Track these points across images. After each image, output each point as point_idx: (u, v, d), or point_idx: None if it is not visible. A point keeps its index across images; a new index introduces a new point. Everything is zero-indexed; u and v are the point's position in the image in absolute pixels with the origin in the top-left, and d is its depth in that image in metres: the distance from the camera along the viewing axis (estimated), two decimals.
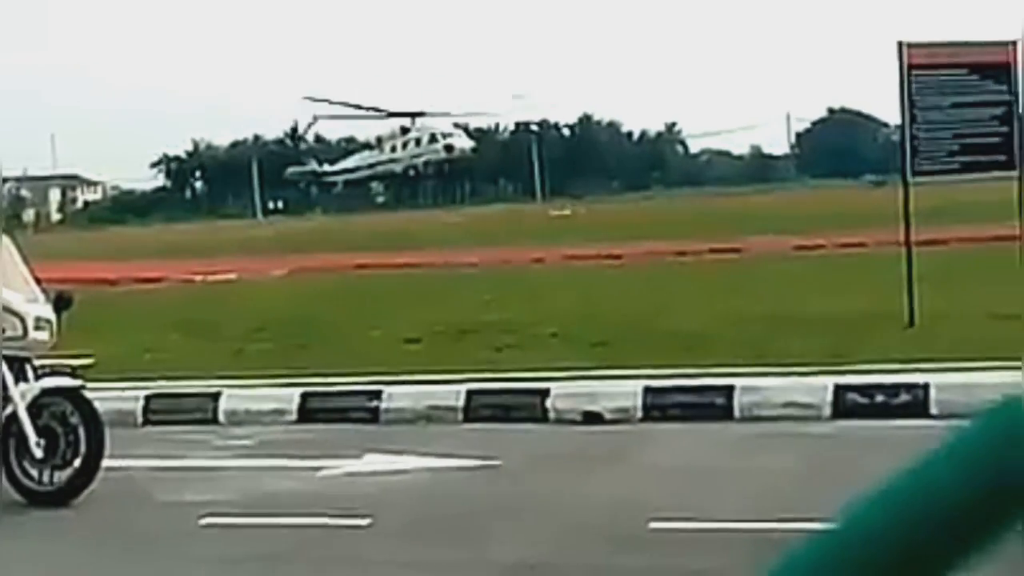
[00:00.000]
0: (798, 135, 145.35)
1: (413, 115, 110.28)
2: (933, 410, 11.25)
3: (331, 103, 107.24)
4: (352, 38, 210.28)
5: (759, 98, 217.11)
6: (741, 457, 10.65)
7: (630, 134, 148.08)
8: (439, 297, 22.26)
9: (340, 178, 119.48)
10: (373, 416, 12.78)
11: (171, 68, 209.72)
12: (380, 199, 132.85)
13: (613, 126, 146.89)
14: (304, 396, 13.12)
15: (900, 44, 15.37)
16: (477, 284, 24.75)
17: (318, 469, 10.89)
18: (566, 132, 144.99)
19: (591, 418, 12.21)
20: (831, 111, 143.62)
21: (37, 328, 10.42)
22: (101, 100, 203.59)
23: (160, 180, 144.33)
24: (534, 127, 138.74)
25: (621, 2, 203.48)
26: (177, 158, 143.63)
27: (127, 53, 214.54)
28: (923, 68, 15.44)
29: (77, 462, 10.04)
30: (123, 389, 13.46)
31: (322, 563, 8.29)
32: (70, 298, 10.89)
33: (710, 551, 7.87)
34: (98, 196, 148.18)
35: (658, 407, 12.20)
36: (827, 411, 11.77)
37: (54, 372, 10.50)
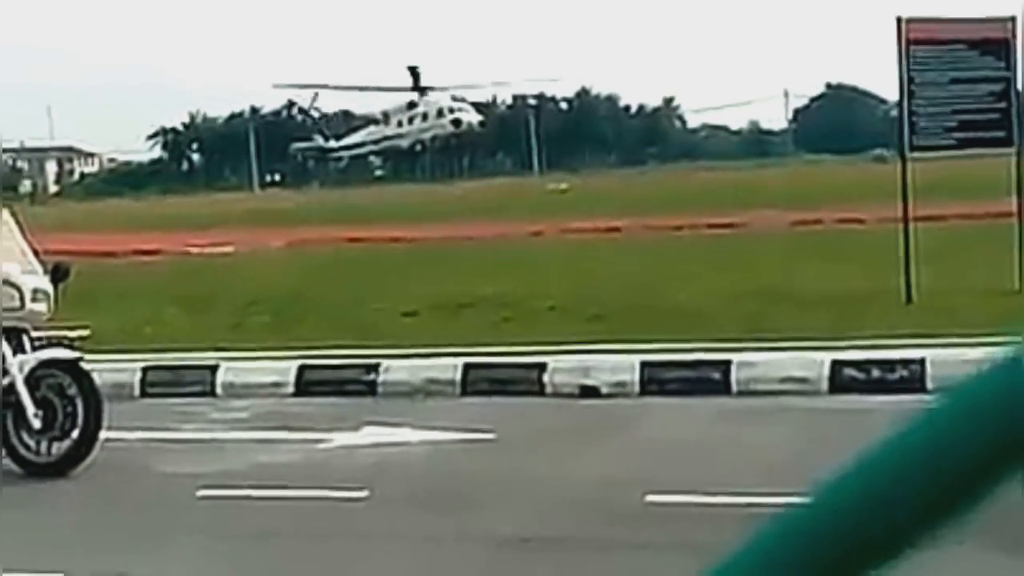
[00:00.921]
0: (796, 111, 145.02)
1: (414, 89, 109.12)
2: (930, 385, 11.27)
3: (300, 87, 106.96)
4: (349, 10, 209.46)
5: (757, 73, 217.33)
6: (738, 432, 10.68)
7: (628, 108, 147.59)
8: (437, 270, 22.25)
9: (347, 153, 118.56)
10: (371, 389, 12.80)
11: (168, 43, 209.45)
12: (379, 172, 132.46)
13: (611, 100, 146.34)
14: (302, 369, 13.12)
15: (899, 19, 15.34)
16: (475, 258, 24.76)
17: (316, 442, 10.91)
18: (564, 106, 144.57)
19: (588, 392, 12.22)
20: (829, 87, 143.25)
21: (34, 300, 10.42)
22: (97, 74, 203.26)
23: (157, 152, 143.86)
24: (532, 101, 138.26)
25: None
26: (174, 130, 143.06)
27: (122, 28, 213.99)
28: (922, 44, 15.41)
29: (75, 433, 10.06)
30: (120, 361, 13.47)
31: (320, 535, 8.30)
32: (67, 269, 10.89)
33: (707, 525, 7.88)
34: (95, 168, 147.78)
35: (655, 381, 12.21)
36: (824, 386, 11.80)
37: (52, 344, 10.51)
